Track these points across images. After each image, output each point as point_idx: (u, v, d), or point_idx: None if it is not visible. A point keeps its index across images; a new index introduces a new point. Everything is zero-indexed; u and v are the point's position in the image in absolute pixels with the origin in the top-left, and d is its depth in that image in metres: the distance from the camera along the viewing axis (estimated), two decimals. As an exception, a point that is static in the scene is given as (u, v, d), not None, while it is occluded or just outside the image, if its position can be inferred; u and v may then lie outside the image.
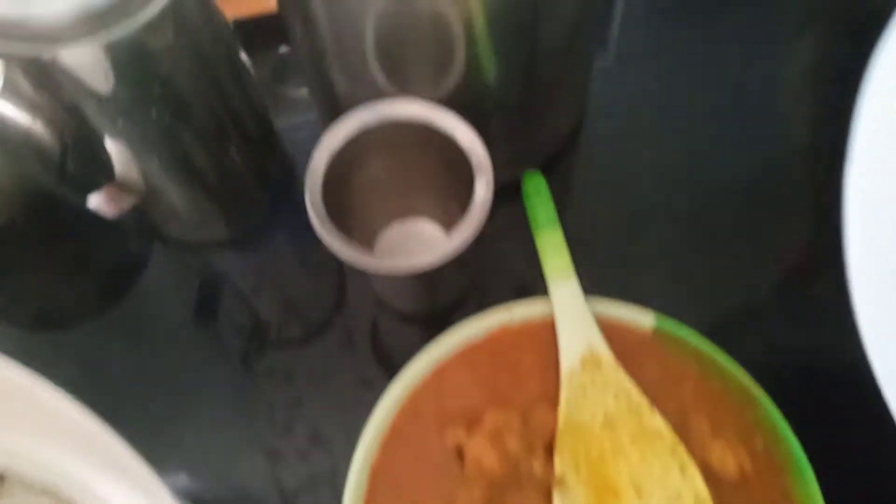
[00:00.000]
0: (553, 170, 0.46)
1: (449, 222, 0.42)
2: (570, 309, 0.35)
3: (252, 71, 0.41)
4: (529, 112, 0.39)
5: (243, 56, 0.41)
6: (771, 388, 0.33)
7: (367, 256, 0.32)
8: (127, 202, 0.38)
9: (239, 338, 0.43)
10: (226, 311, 0.44)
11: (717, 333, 0.35)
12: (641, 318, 0.35)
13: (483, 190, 0.32)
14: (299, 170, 0.48)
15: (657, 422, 0.32)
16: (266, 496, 0.39)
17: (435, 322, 0.43)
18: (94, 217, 0.42)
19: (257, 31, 0.48)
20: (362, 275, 0.39)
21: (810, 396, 0.38)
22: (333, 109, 0.41)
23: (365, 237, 0.42)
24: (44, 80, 0.32)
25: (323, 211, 0.33)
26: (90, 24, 0.28)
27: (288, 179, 0.47)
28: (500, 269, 0.43)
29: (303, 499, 0.38)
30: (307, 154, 0.48)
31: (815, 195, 0.45)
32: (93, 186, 0.38)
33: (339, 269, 0.45)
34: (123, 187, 0.38)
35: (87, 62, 0.30)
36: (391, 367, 0.41)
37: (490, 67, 0.34)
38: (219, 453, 0.40)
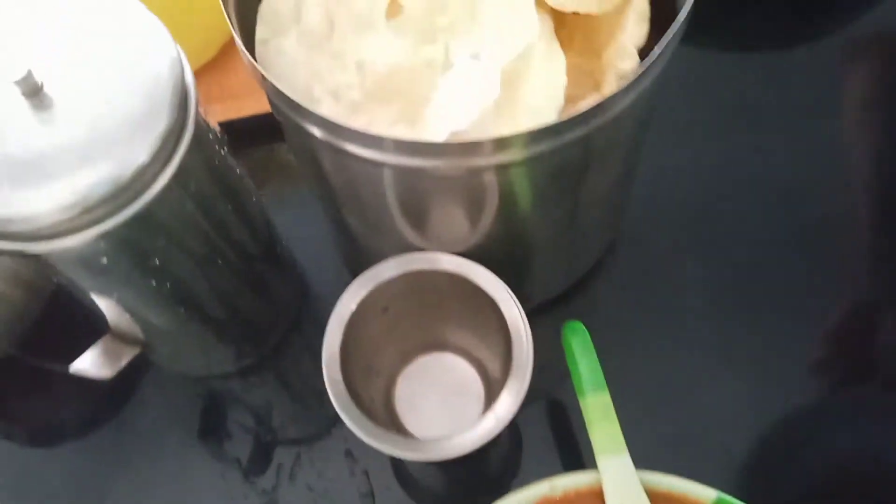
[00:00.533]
0: (587, 287, 0.43)
1: (475, 357, 0.39)
2: (621, 488, 0.31)
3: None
4: (565, 249, 0.36)
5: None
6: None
7: (398, 448, 0.29)
8: (125, 357, 0.35)
9: (246, 481, 0.40)
10: (238, 463, 0.40)
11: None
12: (700, 493, 0.31)
13: (516, 393, 0.29)
14: (309, 276, 0.45)
15: None
16: None
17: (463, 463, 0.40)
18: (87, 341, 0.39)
19: (251, 131, 0.45)
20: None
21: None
22: (353, 250, 0.38)
23: (387, 373, 0.39)
24: (30, 262, 0.28)
25: (346, 397, 0.29)
26: (82, 218, 0.25)
27: (299, 293, 0.44)
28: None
29: None
30: (316, 254, 0.45)
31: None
32: (86, 335, 0.35)
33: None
34: (119, 338, 0.35)
35: (78, 250, 0.26)
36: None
37: (528, 223, 0.31)
38: None
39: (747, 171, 0.46)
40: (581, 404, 0.33)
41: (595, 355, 0.33)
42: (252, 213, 0.36)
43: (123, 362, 0.34)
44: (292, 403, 0.41)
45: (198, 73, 0.45)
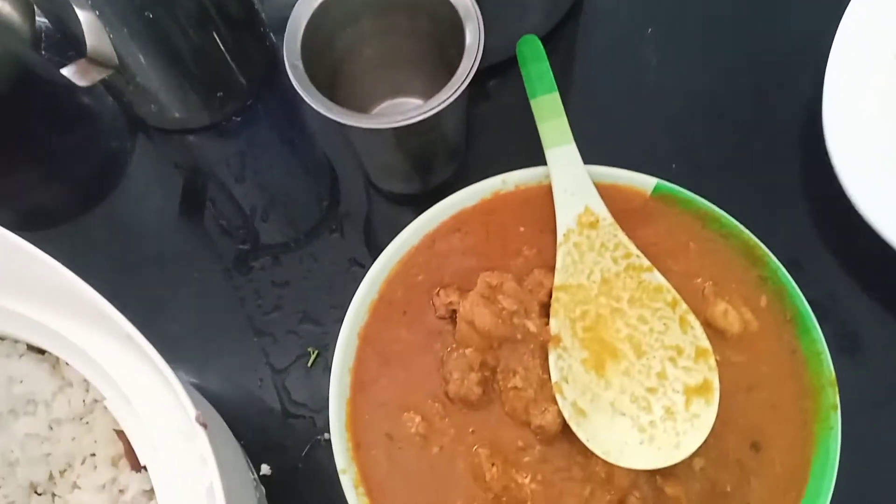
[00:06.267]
0: (554, 42, 0.44)
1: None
2: (566, 171, 0.33)
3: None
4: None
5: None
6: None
7: (347, 112, 0.31)
8: (98, 74, 0.36)
9: (226, 226, 0.42)
10: (212, 203, 0.42)
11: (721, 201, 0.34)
12: (641, 182, 0.33)
13: (470, 37, 0.31)
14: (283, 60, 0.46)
15: (657, 278, 0.31)
16: (257, 370, 0.38)
17: (427, 205, 0.42)
18: (77, 107, 0.41)
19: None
20: (352, 154, 0.37)
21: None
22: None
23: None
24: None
25: (300, 67, 0.31)
26: None
27: (271, 68, 0.45)
28: (493, 153, 0.41)
29: (293, 373, 0.38)
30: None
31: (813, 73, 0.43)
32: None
33: (327, 158, 0.43)
34: (95, 61, 0.37)
35: None
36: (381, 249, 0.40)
37: None
38: (211, 340, 0.39)
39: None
40: (532, 105, 0.34)
41: (547, 62, 0.35)
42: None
43: (96, 77, 0.36)
44: (268, 166, 0.43)
45: None
